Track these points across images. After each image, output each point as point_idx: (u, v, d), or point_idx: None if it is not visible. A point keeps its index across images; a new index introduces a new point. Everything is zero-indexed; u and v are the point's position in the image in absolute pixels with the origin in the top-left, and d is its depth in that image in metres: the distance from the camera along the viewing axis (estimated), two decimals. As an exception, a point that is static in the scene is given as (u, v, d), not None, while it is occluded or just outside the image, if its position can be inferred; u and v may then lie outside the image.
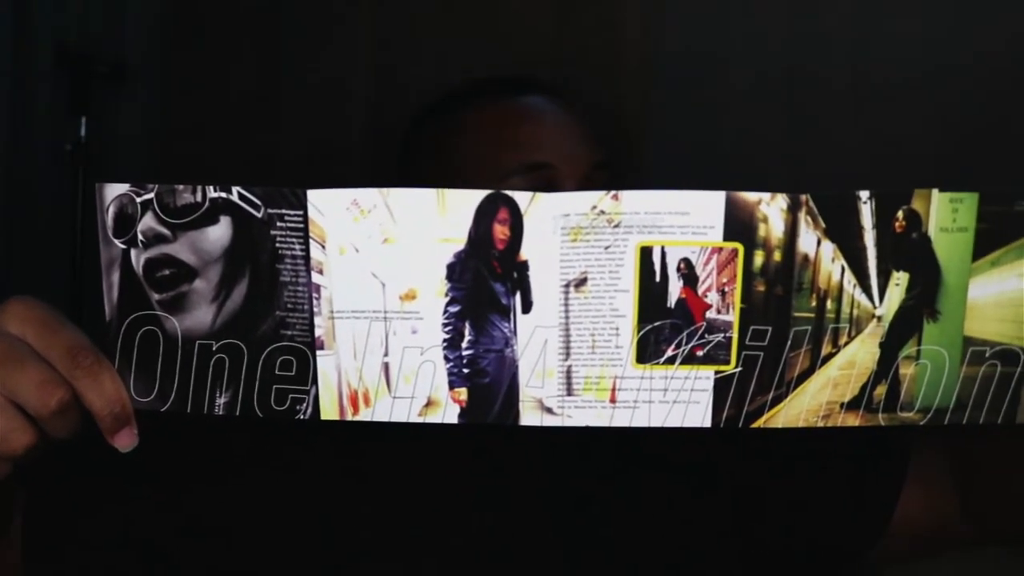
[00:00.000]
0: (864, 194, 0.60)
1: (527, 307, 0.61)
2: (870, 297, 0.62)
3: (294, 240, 0.61)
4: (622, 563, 0.80)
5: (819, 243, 0.61)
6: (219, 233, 0.61)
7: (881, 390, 0.63)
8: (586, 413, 0.63)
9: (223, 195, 0.61)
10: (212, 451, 0.79)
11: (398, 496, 0.80)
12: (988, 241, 0.61)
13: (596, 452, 0.83)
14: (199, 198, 0.61)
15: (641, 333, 0.61)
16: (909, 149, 1.16)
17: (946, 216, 0.61)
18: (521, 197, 0.60)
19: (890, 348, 0.62)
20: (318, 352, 0.62)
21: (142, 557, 0.77)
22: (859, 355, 0.63)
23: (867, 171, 1.16)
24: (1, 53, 1.30)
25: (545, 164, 0.88)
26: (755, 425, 0.63)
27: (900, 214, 0.60)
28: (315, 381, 0.63)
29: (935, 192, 0.60)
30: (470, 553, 0.79)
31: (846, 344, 0.62)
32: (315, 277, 0.61)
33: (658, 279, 0.61)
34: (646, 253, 0.60)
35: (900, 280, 0.62)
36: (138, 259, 0.62)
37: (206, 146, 1.27)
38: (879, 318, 0.62)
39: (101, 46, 1.31)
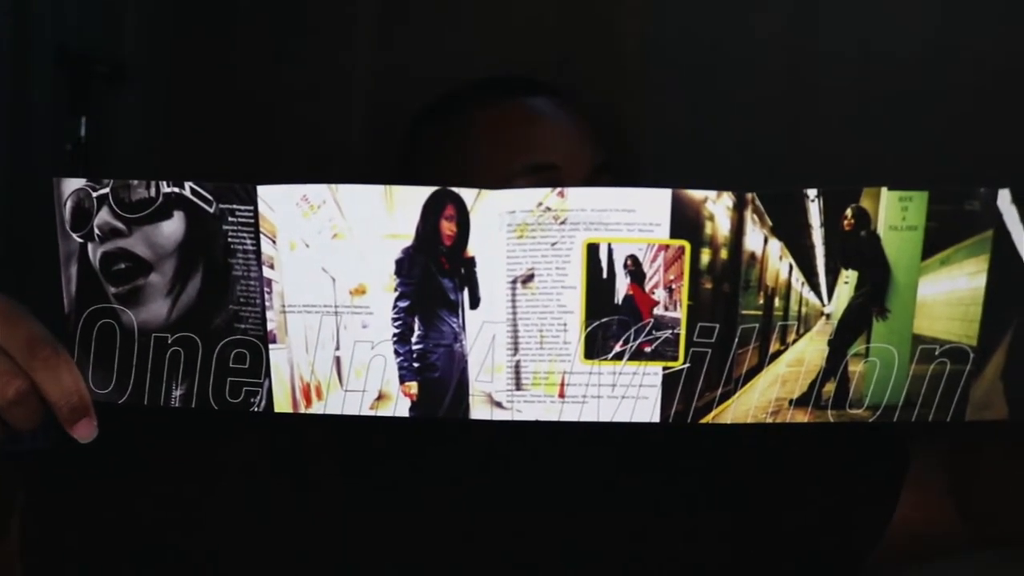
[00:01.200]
0: (812, 192, 0.60)
1: (475, 303, 0.62)
2: (818, 295, 0.62)
3: (245, 235, 0.62)
4: (622, 564, 0.81)
5: (766, 241, 0.61)
6: (173, 228, 0.62)
7: (830, 387, 0.63)
8: (535, 408, 0.63)
9: (176, 190, 0.62)
10: (212, 452, 0.80)
11: (398, 497, 0.81)
12: (938, 240, 0.61)
13: (596, 453, 0.84)
14: (153, 193, 0.62)
15: (589, 329, 0.62)
16: (909, 149, 1.15)
17: (895, 214, 0.60)
18: (467, 194, 0.60)
19: (839, 346, 0.63)
20: (271, 346, 0.63)
21: (142, 557, 0.78)
22: (808, 352, 0.63)
23: (867, 170, 1.16)
24: (1, 53, 1.29)
25: (550, 166, 0.88)
26: (703, 421, 0.63)
27: (849, 212, 0.60)
28: (268, 374, 0.64)
29: (884, 190, 0.60)
30: (471, 554, 0.80)
31: (794, 341, 0.63)
32: (266, 271, 0.62)
33: (605, 276, 0.61)
34: (593, 250, 0.61)
35: (849, 278, 0.62)
36: (95, 253, 0.63)
37: (206, 146, 1.26)
38: (828, 316, 0.62)
39: (101, 46, 1.30)
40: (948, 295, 0.62)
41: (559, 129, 0.92)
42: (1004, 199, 0.60)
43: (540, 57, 1.18)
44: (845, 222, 0.60)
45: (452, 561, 0.80)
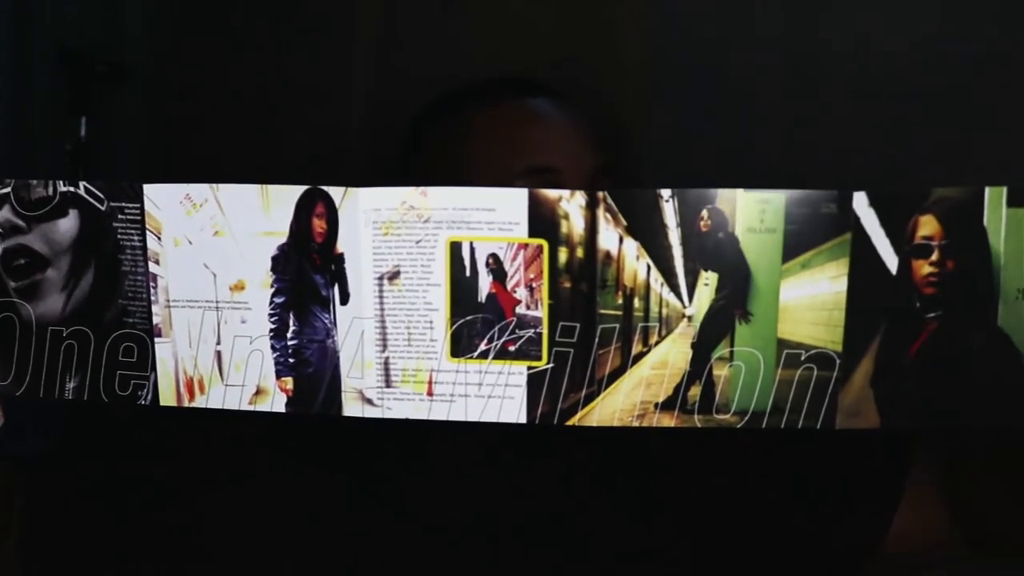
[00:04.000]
0: (666, 192, 0.61)
1: (344, 298, 0.64)
2: (679, 296, 0.62)
3: (133, 232, 0.65)
4: (621, 564, 0.82)
5: (621, 240, 0.62)
6: (68, 225, 0.66)
7: (695, 391, 0.63)
8: (405, 405, 0.65)
9: (71, 189, 0.66)
10: (212, 453, 0.83)
11: (399, 498, 0.82)
12: (798, 243, 0.61)
13: (594, 454, 0.84)
14: (50, 192, 0.66)
15: (454, 327, 0.63)
16: (909, 148, 1.14)
17: (753, 216, 0.61)
18: (335, 192, 0.63)
19: (702, 348, 0.63)
20: (156, 340, 0.66)
21: (140, 559, 0.80)
22: (671, 355, 0.63)
23: (867, 170, 1.15)
24: (1, 53, 1.31)
25: (550, 168, 0.89)
26: (570, 423, 0.64)
27: (705, 213, 0.61)
28: (154, 368, 0.67)
29: (740, 192, 0.61)
30: (470, 555, 0.81)
31: (657, 343, 0.63)
32: (152, 267, 0.65)
33: (468, 274, 0.63)
34: (456, 248, 0.63)
35: (709, 280, 0.62)
36: None
37: (206, 146, 1.27)
38: (689, 318, 0.63)
39: (101, 46, 1.31)
40: (811, 299, 0.62)
41: (559, 131, 0.93)
42: (860, 202, 0.60)
43: (540, 58, 1.19)
44: (702, 223, 0.61)
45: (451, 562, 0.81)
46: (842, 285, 0.61)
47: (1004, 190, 0.60)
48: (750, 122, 1.16)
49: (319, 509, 0.81)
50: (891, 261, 0.61)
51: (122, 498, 0.81)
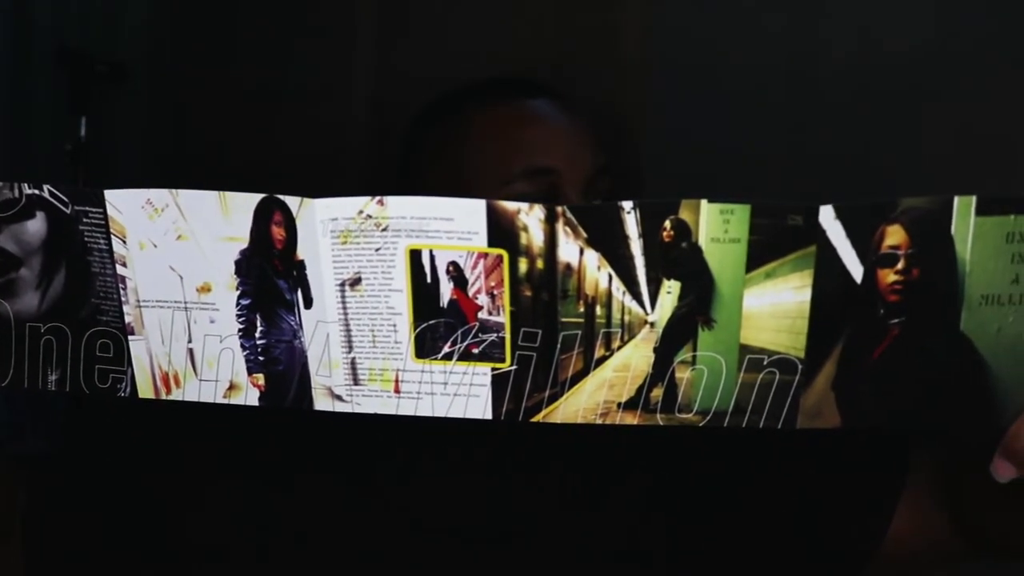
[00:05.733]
0: (627, 204, 0.60)
1: (308, 303, 0.65)
2: (641, 304, 0.62)
3: (98, 235, 0.65)
4: (621, 563, 0.83)
5: (582, 252, 0.61)
6: (36, 227, 0.66)
7: (658, 392, 0.64)
8: (373, 401, 0.66)
9: (36, 192, 0.66)
10: (213, 453, 0.85)
11: (396, 500, 0.84)
12: (761, 253, 0.60)
13: (593, 455, 0.85)
14: (16, 194, 0.66)
15: (417, 330, 0.64)
16: (909, 149, 1.13)
17: (717, 227, 0.60)
18: (292, 201, 0.62)
19: (664, 352, 0.63)
20: (130, 337, 0.68)
21: (144, 559, 0.82)
22: (633, 358, 0.63)
23: (868, 170, 1.13)
24: (1, 53, 1.31)
25: (549, 169, 0.88)
26: (534, 420, 0.65)
27: (668, 224, 0.60)
28: (130, 363, 0.68)
29: (704, 203, 0.60)
30: (467, 555, 0.83)
31: (620, 348, 0.63)
32: (120, 269, 0.66)
33: (429, 280, 0.63)
34: (416, 256, 0.62)
35: (672, 288, 0.62)
36: None
37: (206, 146, 1.28)
38: (652, 324, 0.63)
39: (101, 46, 1.31)
40: (774, 307, 0.61)
41: (559, 132, 0.91)
42: (827, 215, 0.59)
43: (540, 59, 1.18)
44: (664, 233, 0.60)
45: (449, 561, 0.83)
46: (806, 295, 0.61)
47: (973, 199, 0.59)
48: (750, 122, 1.13)
49: (319, 510, 0.83)
50: (856, 271, 0.60)
51: (123, 497, 0.83)
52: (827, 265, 0.60)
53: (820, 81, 1.14)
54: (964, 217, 0.59)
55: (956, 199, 0.59)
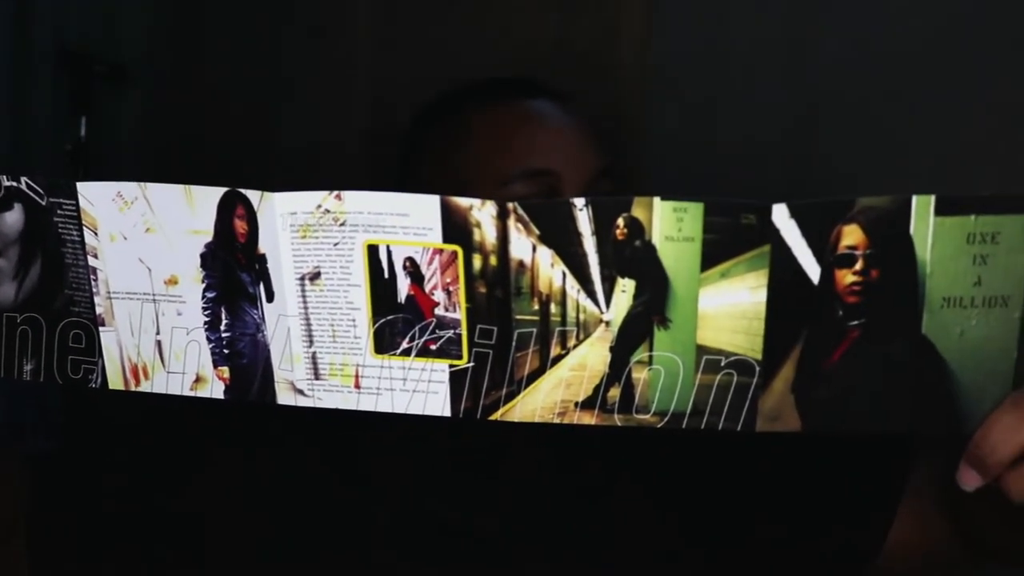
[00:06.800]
0: (579, 202, 0.60)
1: (270, 296, 0.65)
2: (596, 302, 0.62)
3: (72, 227, 0.67)
4: (620, 564, 0.83)
5: (534, 249, 0.61)
6: (14, 218, 0.68)
7: (615, 392, 0.63)
8: (334, 396, 0.66)
9: (14, 184, 0.67)
10: (214, 453, 0.86)
11: (391, 497, 0.85)
12: (716, 252, 0.60)
13: (592, 456, 0.86)
14: None
15: (376, 326, 0.64)
16: (909, 149, 1.11)
17: (671, 225, 0.60)
18: (253, 195, 0.63)
19: (620, 352, 0.63)
20: (101, 328, 0.69)
21: (146, 557, 0.83)
22: (589, 357, 0.63)
23: (866, 171, 1.12)
24: (1, 53, 1.32)
25: (548, 171, 0.88)
26: (492, 417, 0.65)
27: (621, 222, 0.60)
28: (101, 354, 0.69)
29: (657, 200, 0.59)
30: (463, 554, 0.83)
31: (575, 346, 0.63)
32: (91, 261, 0.67)
33: (387, 275, 0.63)
34: (373, 251, 0.63)
35: (627, 287, 0.61)
36: None
37: (206, 146, 1.29)
38: (607, 323, 0.62)
39: (101, 46, 1.32)
40: (730, 308, 0.61)
41: (559, 133, 0.91)
42: (780, 214, 0.58)
43: (540, 59, 1.18)
44: (618, 231, 0.60)
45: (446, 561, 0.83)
46: (762, 296, 0.60)
47: (932, 199, 0.58)
48: (750, 122, 1.12)
49: (319, 510, 0.84)
50: (813, 271, 0.59)
51: (123, 498, 0.84)
52: (782, 265, 0.59)
53: (819, 82, 1.13)
54: (923, 217, 0.58)
55: (914, 198, 0.58)
